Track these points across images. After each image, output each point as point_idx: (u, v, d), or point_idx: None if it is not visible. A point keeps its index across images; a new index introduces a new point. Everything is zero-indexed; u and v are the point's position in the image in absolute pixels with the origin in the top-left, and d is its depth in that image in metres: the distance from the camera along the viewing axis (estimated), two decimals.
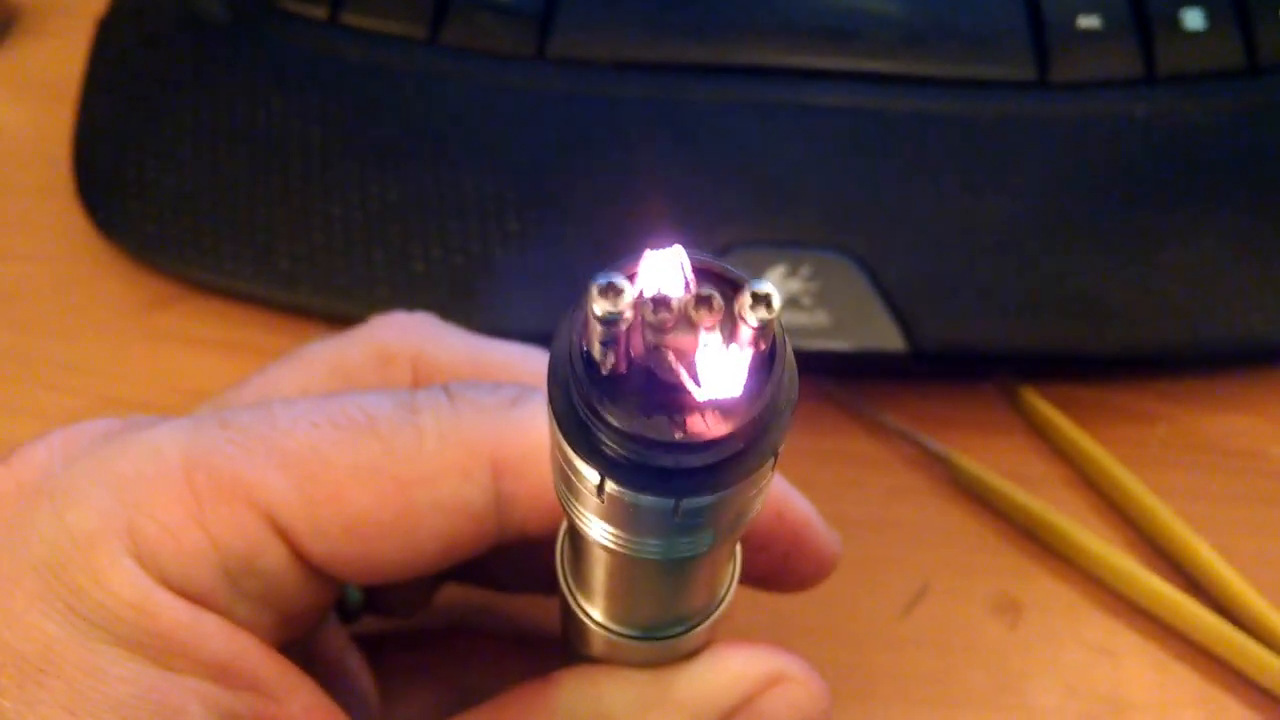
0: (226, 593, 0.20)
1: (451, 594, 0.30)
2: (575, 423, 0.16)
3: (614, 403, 0.15)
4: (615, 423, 0.15)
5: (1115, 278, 0.36)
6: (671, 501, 0.16)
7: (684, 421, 0.15)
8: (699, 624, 0.21)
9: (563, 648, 0.24)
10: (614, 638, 0.21)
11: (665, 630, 0.21)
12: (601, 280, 0.15)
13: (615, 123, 0.38)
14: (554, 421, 0.16)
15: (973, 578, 0.34)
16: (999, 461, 0.35)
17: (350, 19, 0.39)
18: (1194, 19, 0.40)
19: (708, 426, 0.15)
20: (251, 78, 0.38)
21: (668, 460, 0.15)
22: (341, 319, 0.35)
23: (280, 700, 0.21)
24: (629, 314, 0.15)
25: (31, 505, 0.20)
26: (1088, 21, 0.40)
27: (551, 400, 0.16)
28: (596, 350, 0.15)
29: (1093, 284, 0.36)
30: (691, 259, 0.16)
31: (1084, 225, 0.37)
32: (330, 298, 0.36)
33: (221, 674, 0.20)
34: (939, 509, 0.35)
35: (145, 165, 0.37)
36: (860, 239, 0.36)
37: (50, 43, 0.44)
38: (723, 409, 0.15)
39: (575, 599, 0.21)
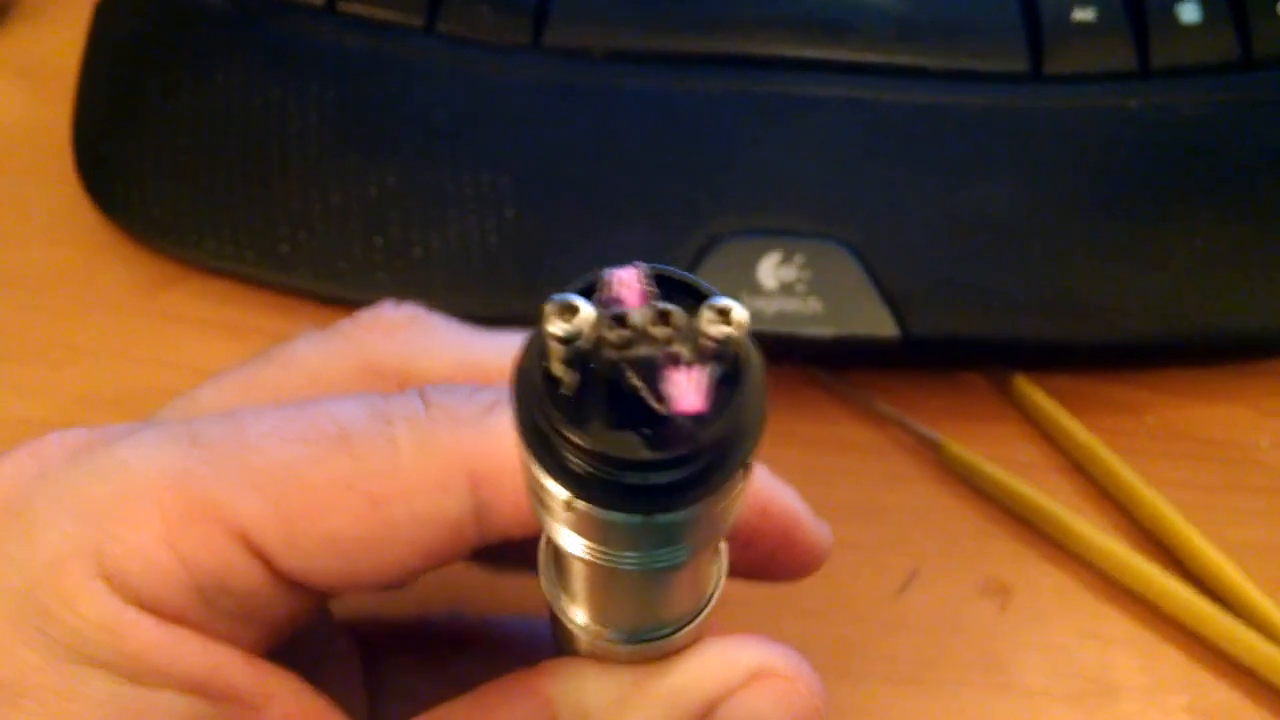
0: (201, 611, 0.20)
1: (443, 580, 0.30)
2: (540, 441, 0.16)
3: (578, 421, 0.15)
4: (580, 441, 0.15)
5: (1107, 269, 0.36)
6: (641, 518, 0.16)
7: (650, 438, 0.15)
8: (684, 626, 0.21)
9: (552, 641, 0.24)
10: (598, 641, 0.21)
11: (650, 633, 0.21)
12: (557, 299, 0.15)
13: (610, 112, 0.38)
14: (520, 439, 0.16)
15: (963, 561, 0.35)
16: (990, 449, 0.36)
17: (347, 7, 0.39)
18: (1189, 12, 0.40)
19: (674, 443, 0.15)
20: (250, 64, 0.38)
21: (635, 478, 0.15)
22: (340, 302, 0.36)
23: (260, 708, 0.21)
24: (588, 332, 0.15)
25: (0, 528, 0.20)
26: (1082, 14, 0.40)
27: (516, 417, 0.16)
28: (557, 368, 0.15)
29: (1084, 275, 0.36)
30: (653, 269, 0.16)
31: (1076, 216, 0.37)
32: (329, 282, 0.36)
33: (198, 687, 0.20)
34: (930, 494, 0.36)
35: (146, 149, 0.38)
36: (854, 228, 0.36)
37: (49, 28, 0.44)
38: (689, 424, 0.15)
39: (559, 602, 0.21)
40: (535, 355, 0.15)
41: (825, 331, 0.35)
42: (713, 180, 0.37)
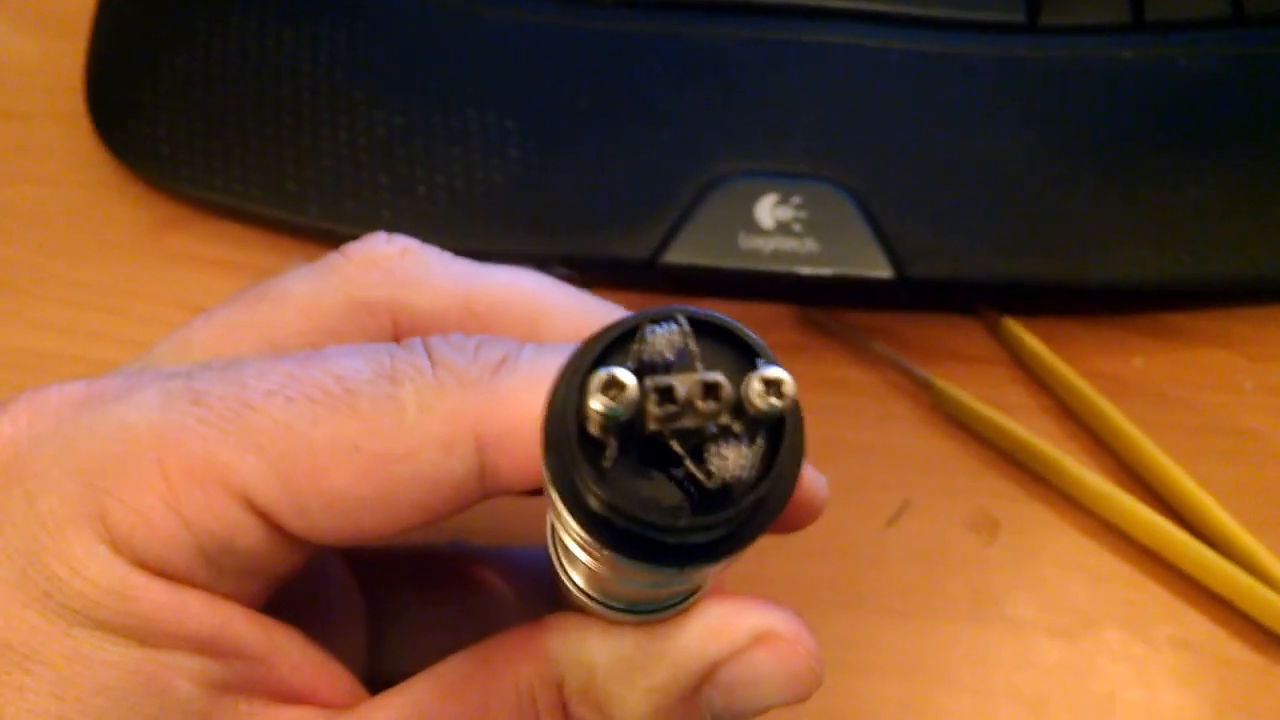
0: (206, 571, 0.20)
1: None
2: (576, 499, 0.15)
3: (617, 482, 0.15)
4: (616, 503, 0.15)
5: (1098, 214, 0.37)
6: (671, 569, 0.16)
7: (690, 501, 0.15)
8: (683, 602, 0.21)
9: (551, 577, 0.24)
10: (602, 610, 0.21)
11: (653, 606, 0.21)
12: (603, 373, 0.14)
13: (615, 56, 0.39)
14: (551, 488, 0.16)
15: (953, 497, 0.35)
16: (981, 390, 0.37)
17: None
18: None
19: (716, 509, 0.15)
20: (262, 6, 0.39)
21: (673, 538, 0.15)
22: (346, 240, 0.36)
23: (268, 662, 0.21)
24: (633, 406, 0.14)
25: (1, 490, 0.20)
26: None
27: (548, 468, 0.16)
28: (597, 433, 0.15)
29: (1077, 220, 0.37)
30: (692, 317, 0.15)
31: (1070, 163, 0.38)
32: (336, 220, 0.37)
33: (207, 647, 0.20)
34: (922, 432, 0.37)
35: (158, 90, 0.38)
36: (852, 171, 0.37)
37: None
38: (729, 492, 0.15)
39: (565, 570, 0.21)
40: (572, 414, 0.15)
41: (820, 271, 0.36)
42: (714, 122, 0.37)
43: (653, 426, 0.15)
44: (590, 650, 0.21)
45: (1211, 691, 0.33)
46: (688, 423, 0.15)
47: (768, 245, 0.36)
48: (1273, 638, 0.33)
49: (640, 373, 0.15)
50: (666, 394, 0.14)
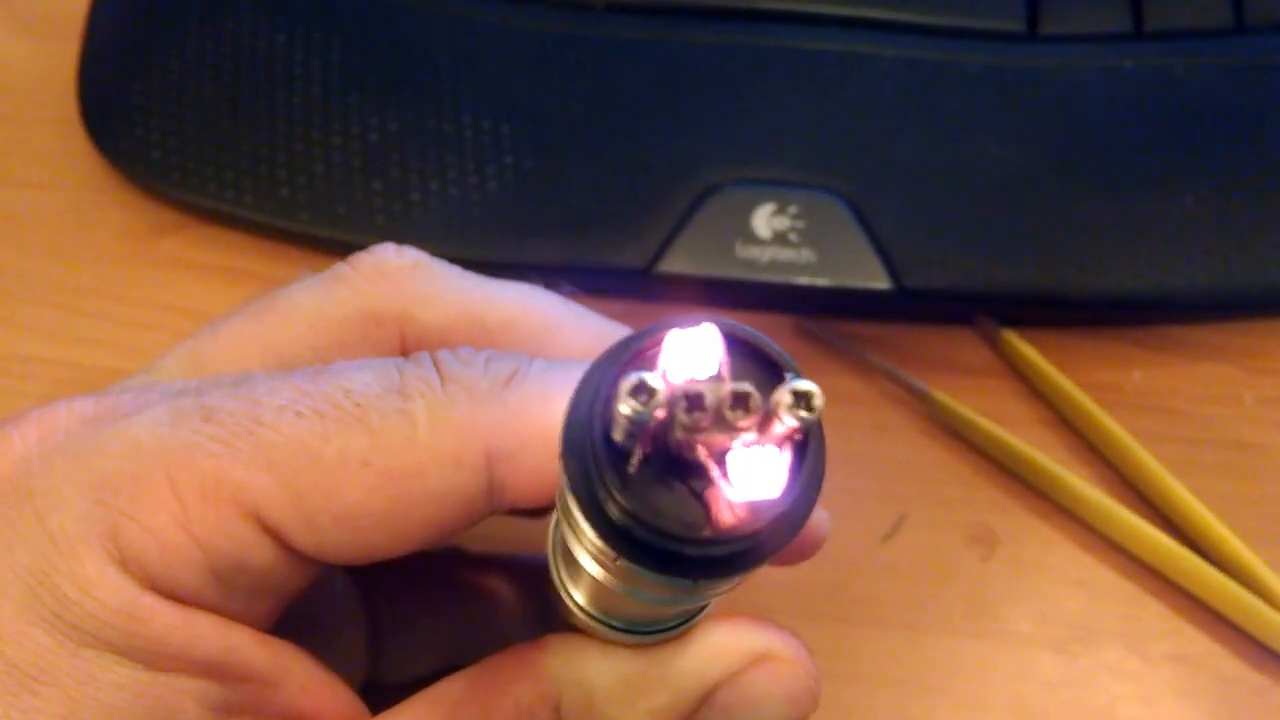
0: (216, 592, 0.20)
1: None
2: (597, 507, 0.15)
3: (638, 492, 0.15)
4: (638, 511, 0.15)
5: (1098, 225, 0.37)
6: (687, 581, 0.16)
7: (711, 515, 0.15)
8: (685, 623, 0.21)
9: (552, 607, 0.23)
10: (602, 629, 0.21)
11: (654, 627, 0.21)
12: (633, 377, 0.14)
13: (610, 62, 0.38)
14: (570, 496, 0.16)
15: (950, 510, 0.35)
16: (979, 402, 0.36)
17: None
18: None
19: (741, 523, 0.15)
20: (255, 10, 0.39)
21: (690, 550, 0.15)
22: (339, 246, 0.36)
23: (275, 685, 0.21)
24: (660, 413, 0.14)
25: (11, 507, 0.20)
26: None
27: (568, 474, 0.15)
28: (622, 439, 0.15)
29: (1076, 230, 0.37)
30: (721, 329, 0.15)
31: (1069, 173, 0.37)
32: (329, 226, 0.36)
33: (215, 670, 0.20)
34: (919, 444, 0.36)
35: (150, 94, 0.38)
36: (849, 180, 0.37)
37: None
38: (753, 506, 0.15)
39: (565, 588, 0.21)
40: (599, 418, 0.15)
41: (818, 282, 0.35)
42: (710, 130, 0.37)
43: (679, 435, 0.14)
44: (589, 671, 0.21)
45: (1209, 708, 0.33)
46: (714, 433, 0.14)
47: (764, 255, 0.35)
48: (1271, 654, 0.33)
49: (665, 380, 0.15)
50: (695, 401, 0.14)
